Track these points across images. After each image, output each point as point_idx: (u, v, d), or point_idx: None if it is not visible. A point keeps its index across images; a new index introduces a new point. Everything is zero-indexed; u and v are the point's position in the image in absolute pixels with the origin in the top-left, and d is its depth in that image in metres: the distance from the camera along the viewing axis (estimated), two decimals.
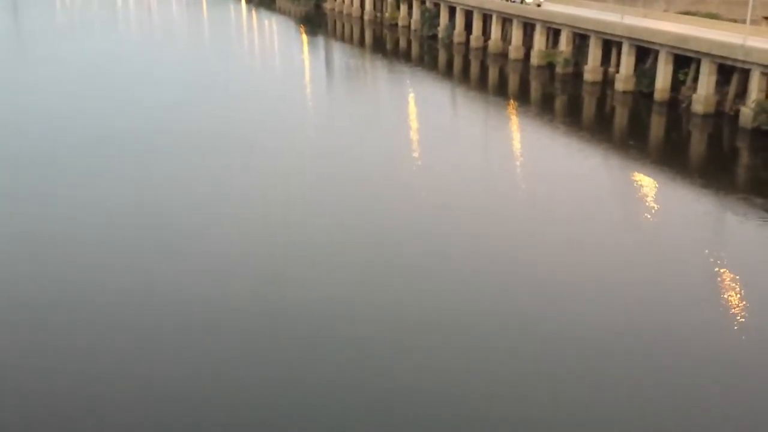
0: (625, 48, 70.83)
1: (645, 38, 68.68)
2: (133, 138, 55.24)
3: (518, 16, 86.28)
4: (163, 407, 24.82)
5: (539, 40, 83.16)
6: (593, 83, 74.80)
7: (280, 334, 29.08)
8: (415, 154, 53.12)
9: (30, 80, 78.85)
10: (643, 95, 68.85)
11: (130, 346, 28.19)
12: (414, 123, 62.12)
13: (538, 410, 24.70)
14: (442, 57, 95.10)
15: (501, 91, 78.74)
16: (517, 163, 52.83)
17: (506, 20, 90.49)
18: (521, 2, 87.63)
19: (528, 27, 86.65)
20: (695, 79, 64.42)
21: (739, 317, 30.76)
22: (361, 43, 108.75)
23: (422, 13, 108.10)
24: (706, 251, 37.29)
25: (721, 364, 27.37)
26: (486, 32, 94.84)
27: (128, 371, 26.63)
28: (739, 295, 32.63)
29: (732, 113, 60.88)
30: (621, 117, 67.82)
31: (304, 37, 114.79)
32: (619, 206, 43.72)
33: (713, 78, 62.29)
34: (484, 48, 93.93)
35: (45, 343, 28.59)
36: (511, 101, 72.46)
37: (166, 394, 25.51)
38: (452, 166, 49.80)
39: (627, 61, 70.81)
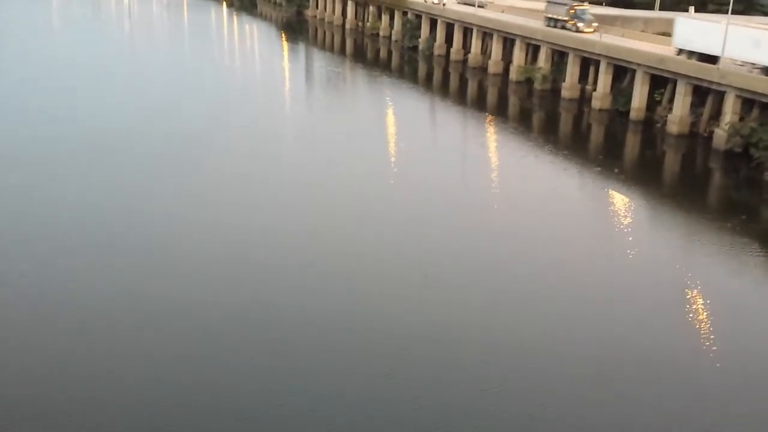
0: (602, 66, 71.44)
1: (622, 57, 69.30)
2: (101, 140, 54.68)
3: (498, 31, 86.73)
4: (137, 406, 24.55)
5: (518, 56, 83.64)
6: (570, 100, 75.33)
7: (250, 340, 28.85)
8: (390, 166, 53.12)
9: None
10: (619, 114, 69.43)
11: (102, 348, 27.87)
12: (391, 134, 62.15)
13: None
14: (422, 69, 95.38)
15: (479, 105, 79.03)
16: (491, 177, 52.95)
17: (486, 34, 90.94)
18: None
19: (508, 42, 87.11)
20: (671, 99, 65.08)
21: (702, 340, 30.93)
22: (342, 51, 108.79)
23: (403, 24, 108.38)
24: (673, 272, 37.55)
25: (687, 389, 27.51)
26: (466, 46, 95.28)
27: (102, 372, 26.32)
28: (704, 318, 32.84)
29: (706, 135, 61.51)
30: (596, 135, 68.32)
31: (285, 43, 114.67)
32: (589, 224, 43.91)
33: (688, 99, 62.96)
34: (464, 61, 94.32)
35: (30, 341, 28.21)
36: (489, 115, 72.73)
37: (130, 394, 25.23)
38: (426, 179, 49.81)
39: (604, 80, 71.41)
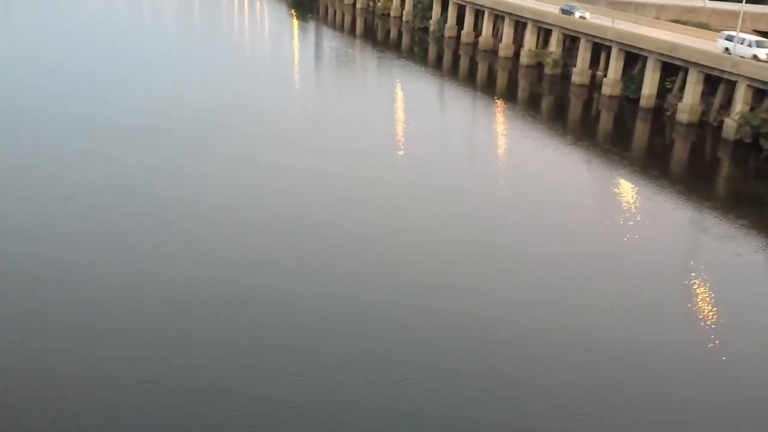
0: (614, 52, 70.96)
1: (634, 44, 68.78)
2: (106, 117, 54.72)
3: (510, 14, 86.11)
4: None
5: (529, 40, 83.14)
6: (581, 86, 74.88)
7: (262, 323, 28.97)
8: (397, 148, 52.99)
9: (9, 51, 77.96)
10: (629, 100, 69.04)
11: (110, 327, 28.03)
12: (400, 117, 61.91)
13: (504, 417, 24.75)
14: (432, 50, 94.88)
15: (489, 88, 78.65)
16: (497, 162, 52.82)
17: (498, 17, 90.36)
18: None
19: (519, 26, 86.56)
20: (682, 87, 64.63)
21: (705, 330, 30.90)
22: (352, 31, 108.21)
23: (415, 4, 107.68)
24: (679, 262, 37.47)
25: (689, 380, 27.51)
26: (477, 28, 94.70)
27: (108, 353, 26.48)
28: (706, 307, 32.78)
29: (716, 124, 61.13)
30: (606, 121, 67.96)
31: (295, 22, 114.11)
32: (595, 211, 43.73)
33: (699, 88, 62.51)
34: (475, 44, 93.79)
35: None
36: (498, 99, 72.41)
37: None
38: (434, 162, 49.74)
39: (615, 66, 70.96)
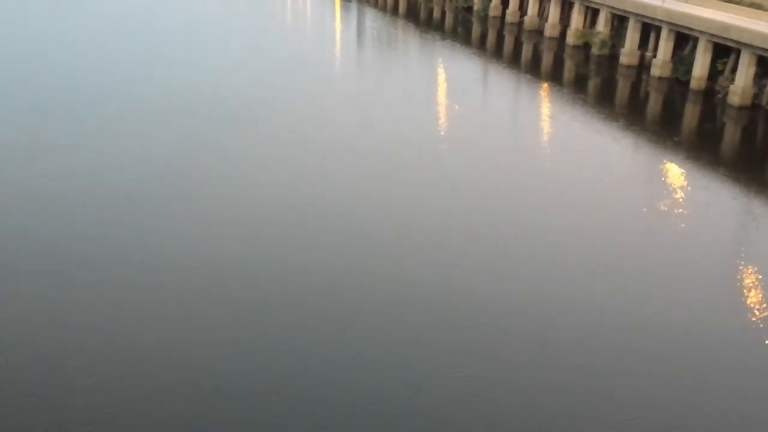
0: (663, 33, 69.49)
1: (685, 24, 67.23)
2: (147, 95, 55.19)
3: None
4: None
5: (576, 19, 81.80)
6: (629, 67, 73.54)
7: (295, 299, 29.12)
8: (441, 128, 52.61)
9: (43, 28, 78.91)
10: (678, 82, 67.67)
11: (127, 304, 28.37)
12: (443, 96, 61.52)
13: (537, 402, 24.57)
14: (476, 30, 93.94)
15: (534, 68, 77.66)
16: (542, 144, 52.20)
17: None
18: None
19: (566, 5, 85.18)
20: (734, 69, 63.11)
21: (757, 317, 30.29)
22: (395, 11, 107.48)
23: None
24: (728, 247, 36.76)
25: (740, 370, 27.05)
26: (522, 7, 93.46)
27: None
28: (759, 294, 32.13)
29: None
30: (655, 103, 66.71)
31: (336, 0, 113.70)
32: (642, 195, 43.03)
33: (752, 70, 60.93)
34: (520, 23, 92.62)
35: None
36: (544, 80, 71.52)
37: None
38: (476, 142, 49.34)
39: (665, 47, 69.49)
